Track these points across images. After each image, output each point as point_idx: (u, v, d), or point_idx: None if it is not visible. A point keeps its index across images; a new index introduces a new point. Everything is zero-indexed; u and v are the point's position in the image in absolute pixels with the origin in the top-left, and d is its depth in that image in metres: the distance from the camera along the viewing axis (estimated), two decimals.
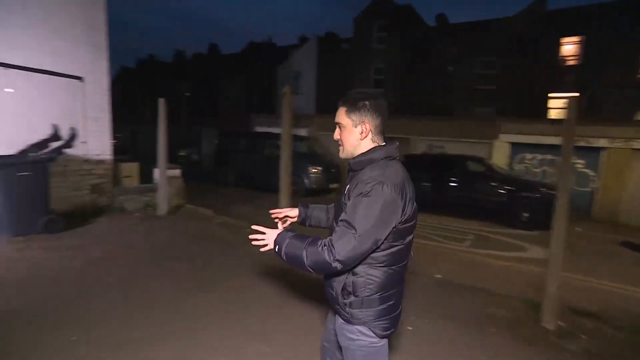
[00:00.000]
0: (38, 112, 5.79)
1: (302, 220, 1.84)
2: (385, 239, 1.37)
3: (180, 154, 20.61)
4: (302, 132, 15.09)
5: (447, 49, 21.24)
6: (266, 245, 1.49)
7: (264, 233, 1.51)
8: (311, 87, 24.82)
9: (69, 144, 6.25)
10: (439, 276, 4.70)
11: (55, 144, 6.08)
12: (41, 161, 5.17)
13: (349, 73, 23.06)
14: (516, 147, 12.38)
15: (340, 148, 1.55)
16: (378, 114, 1.47)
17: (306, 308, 3.48)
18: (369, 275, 1.43)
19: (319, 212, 1.83)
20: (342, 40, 26.77)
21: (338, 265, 1.34)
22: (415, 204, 1.46)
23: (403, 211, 1.38)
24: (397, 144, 1.52)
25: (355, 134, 1.49)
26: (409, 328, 3.22)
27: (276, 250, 1.45)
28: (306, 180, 10.74)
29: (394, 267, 1.45)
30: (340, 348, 1.59)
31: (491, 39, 20.02)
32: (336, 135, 1.55)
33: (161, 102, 6.36)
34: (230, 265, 4.53)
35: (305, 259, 1.37)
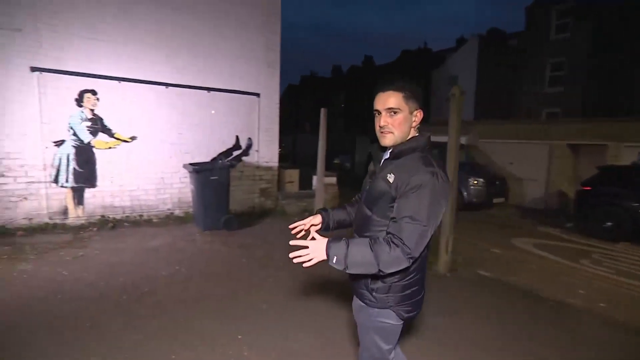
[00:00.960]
0: (226, 125, 6.87)
1: (325, 226, 1.80)
2: None
3: (334, 161, 21.86)
4: (461, 140, 13.80)
5: None
6: (311, 259, 1.40)
7: (306, 247, 1.42)
8: (469, 92, 22.69)
9: (246, 152, 7.22)
10: None
11: (236, 153, 7.12)
12: (225, 167, 6.08)
13: (516, 73, 20.05)
14: None
15: (388, 135, 1.48)
16: (422, 103, 1.50)
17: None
18: None
19: (340, 213, 1.83)
20: (509, 36, 23.61)
21: (410, 261, 1.35)
22: None
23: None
24: (429, 135, 1.53)
25: (410, 121, 1.48)
26: None
27: (333, 261, 1.38)
28: (465, 193, 9.67)
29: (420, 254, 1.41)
30: None
31: None
32: (384, 121, 1.48)
33: (322, 112, 6.69)
34: None
35: (377, 263, 1.34)
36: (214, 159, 6.74)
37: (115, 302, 3.38)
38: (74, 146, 5.51)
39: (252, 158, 7.26)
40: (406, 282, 1.49)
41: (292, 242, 1.49)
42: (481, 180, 9.80)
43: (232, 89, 6.80)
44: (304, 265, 1.42)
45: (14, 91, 5.08)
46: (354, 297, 1.68)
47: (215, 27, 6.50)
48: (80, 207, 5.63)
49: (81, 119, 5.52)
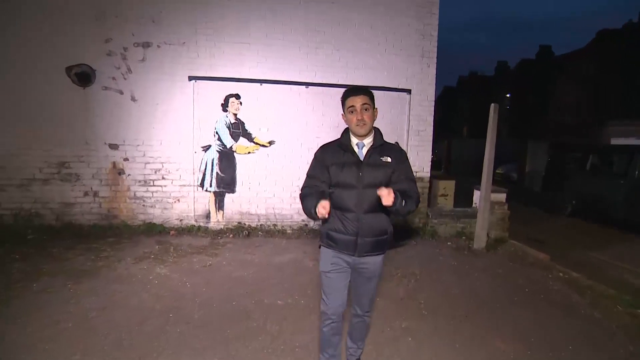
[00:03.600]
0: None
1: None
2: None
3: (497, 171, 18.55)
4: None
5: None
6: (390, 199, 1.80)
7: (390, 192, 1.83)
8: None
9: None
10: None
11: None
12: None
13: None
14: None
15: (364, 126, 1.98)
16: None
17: None
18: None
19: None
20: None
21: None
22: None
23: None
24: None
25: (374, 116, 2.03)
26: None
27: (397, 204, 1.85)
28: None
29: None
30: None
31: None
32: (361, 115, 1.97)
33: (492, 108, 5.06)
34: (579, 348, 2.54)
35: (415, 203, 2.01)
36: None
37: (214, 337, 2.81)
38: (217, 151, 5.56)
39: None
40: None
41: (380, 191, 1.82)
42: None
43: (378, 86, 5.83)
44: (385, 202, 1.80)
45: (175, 100, 5.40)
46: (368, 258, 2.06)
47: (362, 15, 5.68)
48: (221, 211, 5.64)
49: (225, 124, 5.53)
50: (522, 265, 4.87)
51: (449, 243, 5.68)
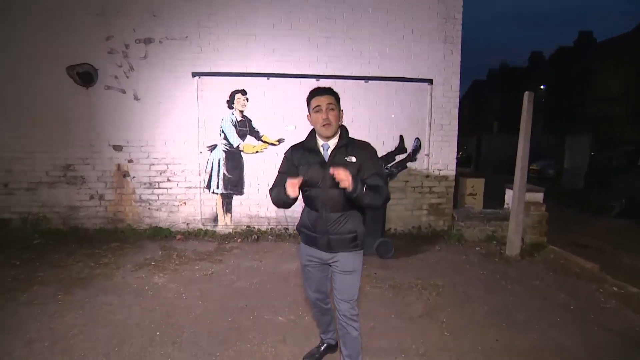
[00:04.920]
0: (387, 122, 5.47)
1: None
2: None
3: (532, 167, 17.37)
4: None
5: None
6: (347, 182, 1.77)
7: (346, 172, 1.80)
8: None
9: (412, 156, 5.62)
10: None
11: (400, 157, 5.61)
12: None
13: None
14: None
15: (329, 127, 1.98)
16: None
17: None
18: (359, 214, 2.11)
19: None
20: None
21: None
22: None
23: None
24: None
25: (339, 117, 2.02)
26: None
27: (357, 191, 1.82)
28: None
29: None
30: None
31: None
32: (326, 114, 1.97)
33: (526, 97, 4.44)
34: None
35: (383, 198, 1.96)
36: None
37: None
38: (224, 151, 5.25)
39: (420, 164, 5.61)
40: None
41: (333, 170, 1.80)
42: None
43: (395, 76, 5.35)
44: (343, 184, 1.78)
45: (179, 98, 5.14)
46: (339, 255, 2.08)
47: (378, 1, 5.20)
48: (228, 214, 5.33)
49: (231, 122, 5.21)
50: (564, 276, 4.23)
51: (477, 248, 5.09)
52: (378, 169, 1.99)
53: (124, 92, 5.05)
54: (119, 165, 5.16)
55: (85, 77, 4.97)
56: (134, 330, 2.83)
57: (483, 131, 28.35)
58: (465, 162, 22.65)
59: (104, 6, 4.91)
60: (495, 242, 5.27)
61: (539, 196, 5.51)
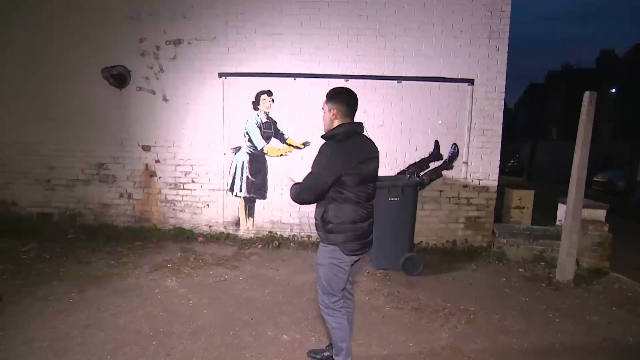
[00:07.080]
0: (421, 126, 5.04)
1: None
2: (332, 184, 2.01)
3: (596, 178, 15.65)
4: None
5: None
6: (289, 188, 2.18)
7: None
8: None
9: (448, 164, 5.13)
10: None
11: (434, 164, 5.14)
12: (412, 185, 4.26)
13: None
14: None
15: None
16: (343, 102, 2.10)
17: None
18: (337, 210, 2.07)
19: None
20: None
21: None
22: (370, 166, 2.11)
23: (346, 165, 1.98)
24: (362, 122, 2.18)
25: (329, 117, 2.12)
26: None
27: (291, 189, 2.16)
28: None
29: (359, 205, 2.07)
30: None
31: None
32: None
33: (586, 97, 3.82)
34: None
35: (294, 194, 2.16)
36: (401, 172, 5.04)
37: None
38: (248, 153, 5.13)
39: (457, 172, 5.11)
40: (348, 225, 2.07)
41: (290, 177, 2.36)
42: None
43: (432, 76, 4.91)
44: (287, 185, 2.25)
45: (205, 99, 5.11)
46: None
47: None
48: (251, 219, 5.19)
49: (256, 123, 5.08)
50: (632, 312, 3.54)
51: (520, 270, 4.49)
52: (313, 168, 2.05)
53: (154, 93, 5.12)
54: (146, 165, 5.24)
55: (120, 78, 5.11)
56: (132, 337, 2.73)
57: (539, 138, 26.15)
58: (517, 171, 20.80)
59: (139, 10, 5.01)
60: (543, 263, 4.63)
61: (600, 213, 4.76)
